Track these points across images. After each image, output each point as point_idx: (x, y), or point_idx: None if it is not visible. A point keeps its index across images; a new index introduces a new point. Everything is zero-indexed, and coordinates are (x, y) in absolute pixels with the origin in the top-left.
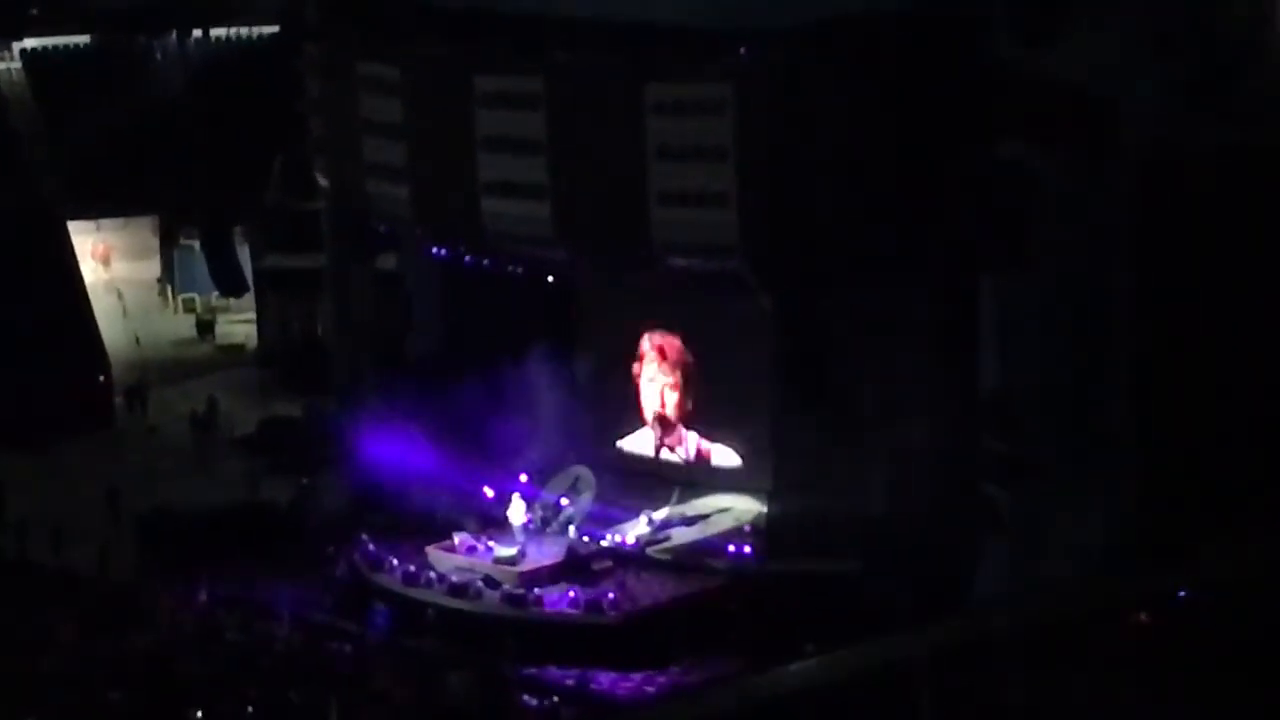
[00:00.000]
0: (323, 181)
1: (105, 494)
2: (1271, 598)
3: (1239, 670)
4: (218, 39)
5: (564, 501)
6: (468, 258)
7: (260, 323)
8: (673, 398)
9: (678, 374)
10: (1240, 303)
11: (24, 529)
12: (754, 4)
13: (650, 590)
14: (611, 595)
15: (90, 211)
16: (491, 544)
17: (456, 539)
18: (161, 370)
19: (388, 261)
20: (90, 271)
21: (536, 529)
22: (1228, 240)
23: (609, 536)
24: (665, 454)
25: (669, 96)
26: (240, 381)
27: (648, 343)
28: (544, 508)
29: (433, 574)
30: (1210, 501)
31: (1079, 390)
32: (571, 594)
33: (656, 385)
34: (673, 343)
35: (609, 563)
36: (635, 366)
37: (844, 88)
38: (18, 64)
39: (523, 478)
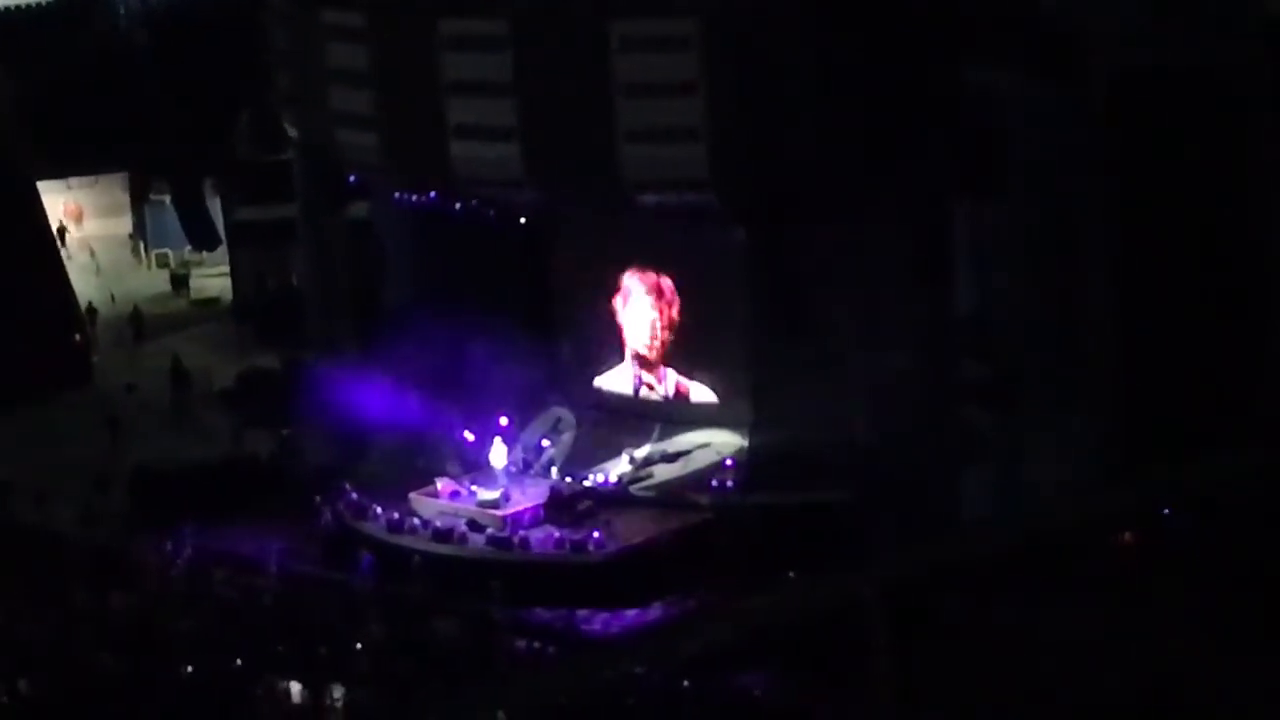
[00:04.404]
0: (292, 132)
1: (106, 424)
2: (1253, 516)
3: (1223, 588)
4: None
5: (545, 443)
6: (439, 203)
7: (234, 276)
8: (660, 334)
9: (667, 311)
10: (1214, 221)
11: (3, 490)
12: None
13: (634, 528)
14: (596, 535)
15: (60, 170)
16: (474, 488)
17: (439, 484)
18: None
19: (360, 210)
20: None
21: (519, 471)
22: (1199, 159)
23: (591, 476)
24: (645, 392)
25: (634, 33)
26: (217, 335)
27: (634, 279)
28: (526, 450)
29: (417, 520)
30: (1191, 420)
31: (1057, 312)
32: (556, 535)
33: (644, 321)
34: (663, 280)
35: (592, 502)
36: (616, 302)
37: (810, 18)
38: None
39: (503, 420)
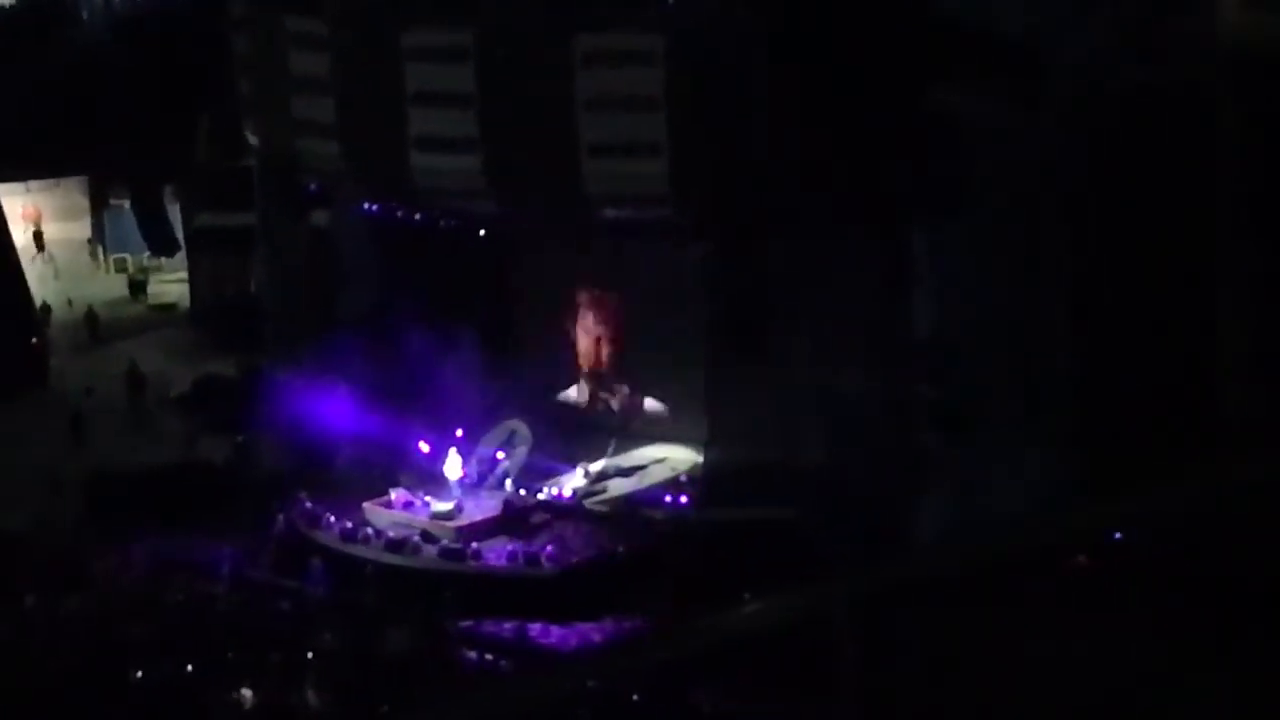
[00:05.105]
0: (252, 139)
1: (66, 427)
2: (1209, 541)
3: (1177, 612)
4: None
5: (500, 455)
6: (400, 213)
7: (193, 282)
8: (606, 351)
9: (610, 329)
10: (1178, 245)
11: None
12: None
13: (588, 542)
14: (549, 548)
15: (19, 173)
16: (428, 499)
17: (393, 495)
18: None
19: (320, 218)
20: (20, 234)
21: (473, 483)
22: (1162, 181)
23: (545, 489)
24: (599, 407)
25: (598, 48)
26: (174, 341)
27: (584, 295)
28: (480, 462)
29: (370, 530)
30: (1151, 443)
31: (1015, 336)
32: (509, 548)
33: (590, 337)
34: (605, 298)
35: (546, 516)
36: (569, 319)
37: (774, 36)
38: None
39: (458, 432)
